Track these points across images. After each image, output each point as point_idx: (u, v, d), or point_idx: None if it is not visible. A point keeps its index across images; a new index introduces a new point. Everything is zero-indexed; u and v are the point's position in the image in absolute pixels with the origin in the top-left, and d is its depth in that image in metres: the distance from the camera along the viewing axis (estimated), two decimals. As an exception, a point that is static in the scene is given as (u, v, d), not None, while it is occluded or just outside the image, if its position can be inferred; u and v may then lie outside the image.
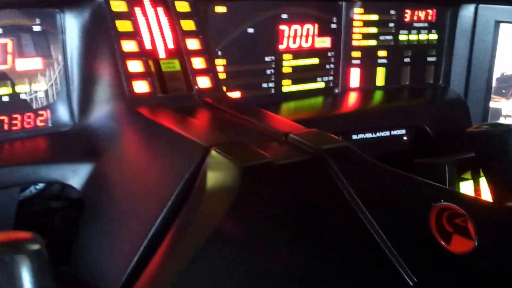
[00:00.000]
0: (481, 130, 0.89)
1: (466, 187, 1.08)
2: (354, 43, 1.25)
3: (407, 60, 1.31)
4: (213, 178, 0.67)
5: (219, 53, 1.05)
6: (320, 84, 1.22)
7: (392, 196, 0.75)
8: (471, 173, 1.08)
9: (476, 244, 0.75)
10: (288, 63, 1.15)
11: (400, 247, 0.70)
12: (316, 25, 1.17)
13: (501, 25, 1.31)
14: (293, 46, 1.14)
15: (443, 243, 0.74)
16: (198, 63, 0.92)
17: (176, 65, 0.90)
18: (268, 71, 1.12)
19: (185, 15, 0.93)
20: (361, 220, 0.70)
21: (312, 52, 1.18)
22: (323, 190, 0.71)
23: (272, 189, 0.68)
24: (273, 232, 0.65)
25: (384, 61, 1.29)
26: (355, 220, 0.70)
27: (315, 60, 1.19)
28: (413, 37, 1.30)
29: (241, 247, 0.62)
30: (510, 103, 1.35)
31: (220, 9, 1.03)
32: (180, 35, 0.92)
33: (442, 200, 0.76)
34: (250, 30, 1.07)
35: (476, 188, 1.08)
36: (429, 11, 1.30)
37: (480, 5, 1.32)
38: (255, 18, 1.07)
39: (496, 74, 1.34)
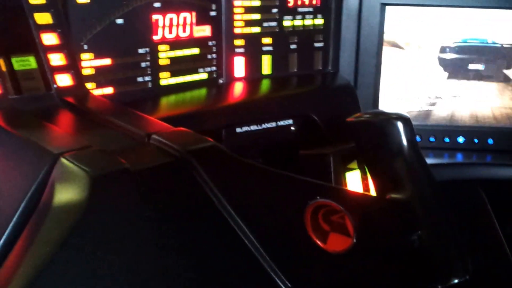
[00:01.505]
0: (360, 120, 0.88)
1: (353, 178, 1.07)
2: (237, 30, 1.21)
3: (293, 46, 1.29)
4: (61, 190, 0.62)
5: (85, 47, 0.99)
6: (202, 75, 1.18)
7: (264, 197, 0.72)
8: (357, 163, 1.08)
9: (355, 241, 0.74)
10: (165, 55, 1.10)
11: (272, 251, 0.68)
12: (194, 13, 1.13)
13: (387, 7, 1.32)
14: (169, 36, 1.10)
15: (319, 243, 0.73)
16: (56, 59, 0.86)
17: (31, 62, 0.84)
18: (143, 64, 1.07)
19: (39, 8, 0.87)
20: (229, 224, 0.67)
21: (191, 41, 1.14)
22: (188, 195, 0.68)
23: (130, 198, 0.64)
24: (131, 246, 0.61)
25: (270, 48, 1.26)
26: (223, 225, 0.67)
27: (195, 50, 1.15)
28: (298, 22, 1.28)
29: (91, 266, 0.58)
30: (399, 87, 1.36)
31: (83, -1, 0.97)
32: (34, 29, 0.85)
33: (318, 197, 0.75)
34: (119, 21, 1.02)
35: (364, 177, 1.08)
36: (314, -5, 1.28)
37: (365, -13, 1.32)
38: (124, 8, 1.02)
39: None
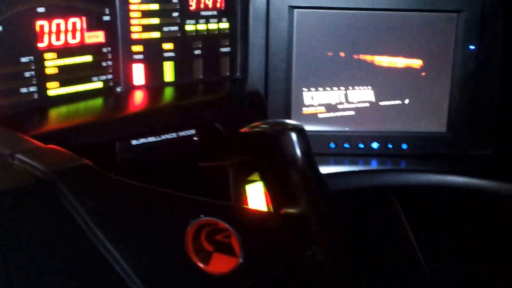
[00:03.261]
0: (253, 131, 0.87)
1: (254, 190, 1.06)
2: (134, 36, 1.18)
3: (198, 52, 1.27)
4: None
5: (-41, 57, 0.94)
6: (97, 84, 1.14)
7: (140, 219, 0.69)
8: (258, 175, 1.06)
9: (241, 261, 0.72)
10: (53, 63, 1.06)
11: (148, 277, 0.66)
12: (84, 18, 1.09)
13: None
14: (57, 43, 1.06)
15: (200, 264, 0.71)
16: None
17: None
18: (27, 74, 1.03)
19: None
20: (99, 252, 0.65)
21: (82, 48, 1.10)
22: (52, 220, 0.65)
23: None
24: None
25: (172, 54, 1.24)
26: (91, 253, 0.64)
27: (87, 58, 1.11)
28: (202, 26, 1.26)
29: None
30: (312, 92, 1.36)
31: (-47, 5, 0.92)
32: None
33: (202, 216, 0.73)
34: (-2, 28, 0.98)
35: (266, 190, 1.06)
36: (217, -3, 1.27)
37: (272, -10, 1.31)
38: (3, 14, 0.97)
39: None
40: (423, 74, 1.35)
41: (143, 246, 0.67)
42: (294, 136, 0.84)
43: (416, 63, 1.34)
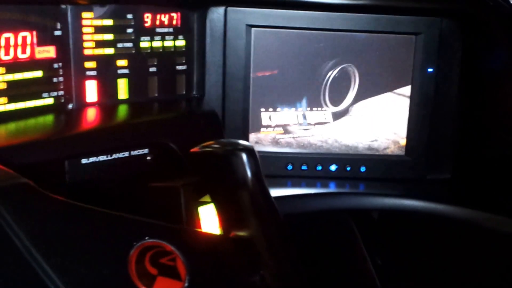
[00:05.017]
0: (203, 151, 0.86)
1: (208, 212, 1.06)
2: (87, 52, 1.17)
3: (153, 69, 1.27)
4: None
5: None
6: (48, 101, 1.13)
7: (81, 241, 0.68)
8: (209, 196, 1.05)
9: (186, 285, 0.72)
10: (1, 78, 1.05)
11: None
12: (35, 33, 1.08)
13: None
14: (6, 58, 1.05)
15: (143, 289, 0.70)
16: None
17: None
18: (-26, 89, 1.02)
19: None
20: (38, 275, 0.63)
21: (33, 64, 1.09)
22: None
23: None
24: None
25: (126, 71, 1.23)
26: (29, 276, 0.63)
27: (37, 73, 1.10)
28: (157, 43, 1.26)
29: None
30: (269, 113, 1.36)
31: None
32: None
33: (147, 238, 0.72)
34: None
35: (219, 212, 1.06)
36: (173, 14, 1.26)
37: (229, 8, 1.31)
38: None
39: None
40: (383, 96, 1.36)
41: (83, 269, 0.66)
42: (244, 157, 0.84)
43: (375, 85, 1.36)
